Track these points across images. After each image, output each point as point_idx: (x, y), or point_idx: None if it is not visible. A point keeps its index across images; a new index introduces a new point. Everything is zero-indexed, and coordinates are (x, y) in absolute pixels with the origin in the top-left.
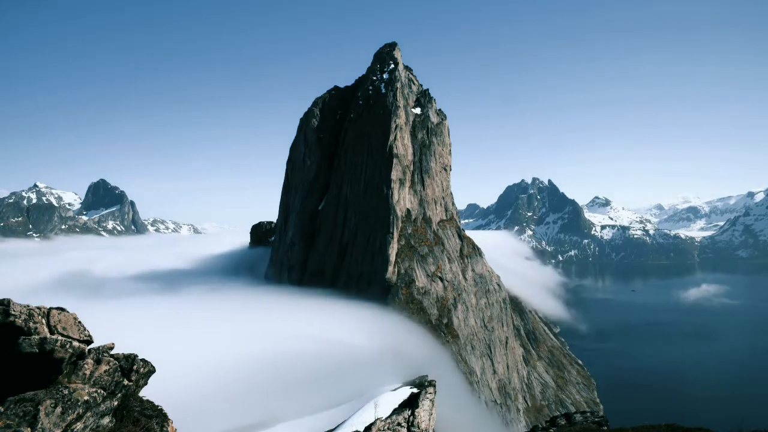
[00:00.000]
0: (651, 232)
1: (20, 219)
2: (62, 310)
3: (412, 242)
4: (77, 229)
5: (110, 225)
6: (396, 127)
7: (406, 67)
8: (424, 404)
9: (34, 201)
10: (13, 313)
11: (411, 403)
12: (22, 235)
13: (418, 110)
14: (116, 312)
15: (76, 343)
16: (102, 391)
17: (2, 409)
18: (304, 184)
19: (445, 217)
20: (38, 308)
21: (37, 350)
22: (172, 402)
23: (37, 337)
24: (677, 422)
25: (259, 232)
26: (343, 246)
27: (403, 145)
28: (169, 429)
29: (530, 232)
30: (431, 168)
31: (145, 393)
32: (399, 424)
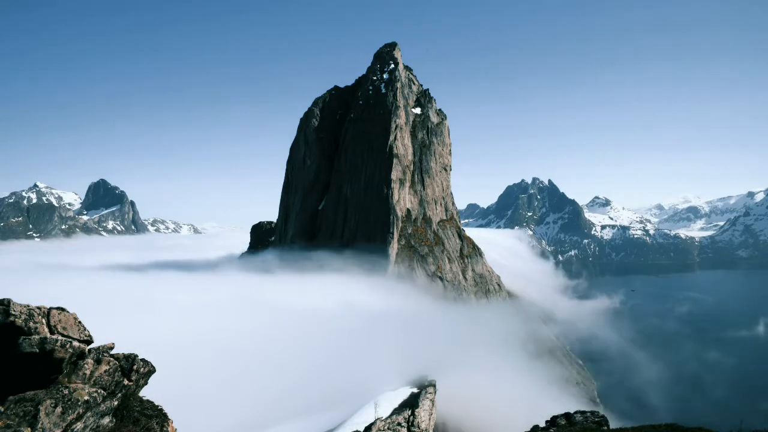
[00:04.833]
0: (651, 232)
1: (20, 219)
2: (62, 310)
3: (412, 242)
4: (77, 229)
5: (110, 225)
6: (396, 127)
7: (406, 67)
8: (424, 404)
9: (34, 201)
10: (13, 313)
11: (411, 403)
12: (23, 236)
13: (418, 110)
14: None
15: (76, 343)
16: (102, 391)
17: (2, 409)
18: (304, 184)
19: (445, 217)
20: (38, 308)
21: (37, 350)
22: (172, 402)
23: (37, 337)
24: (677, 422)
25: (259, 232)
26: (343, 246)
27: (403, 145)
28: (169, 429)
29: (530, 232)
30: (431, 168)
31: (145, 393)
32: (399, 424)
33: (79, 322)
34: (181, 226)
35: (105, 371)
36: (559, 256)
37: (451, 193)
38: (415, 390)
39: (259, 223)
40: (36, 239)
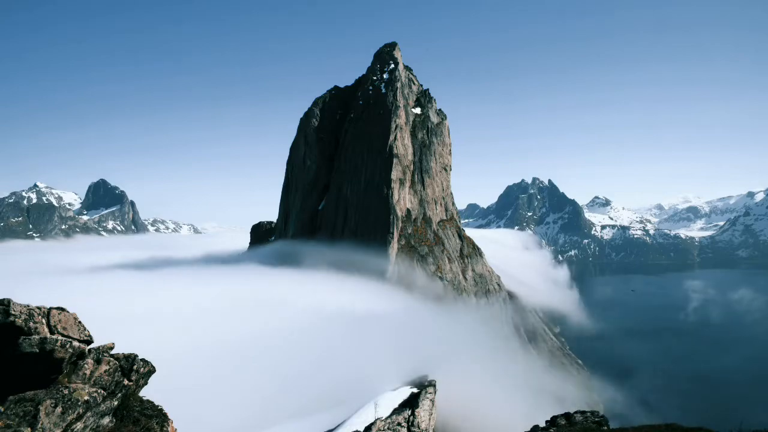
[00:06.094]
0: (651, 231)
1: (20, 219)
2: (62, 309)
3: (412, 242)
4: (77, 229)
5: (110, 225)
6: (396, 127)
7: (407, 67)
8: (424, 404)
9: (34, 201)
10: (13, 313)
11: (411, 403)
12: (23, 235)
13: (418, 110)
14: None
15: (76, 343)
16: (102, 391)
17: (2, 409)
18: (304, 184)
19: (445, 217)
20: (38, 308)
21: (37, 350)
22: (172, 402)
23: (37, 337)
24: (677, 422)
25: (259, 232)
26: (343, 246)
27: (403, 145)
28: (169, 429)
29: (530, 232)
30: (431, 168)
31: (145, 393)
32: (399, 424)
33: (79, 322)
34: (181, 226)
35: (105, 371)
36: (559, 256)
37: (451, 193)
38: (415, 390)
39: (259, 223)
40: (36, 239)
